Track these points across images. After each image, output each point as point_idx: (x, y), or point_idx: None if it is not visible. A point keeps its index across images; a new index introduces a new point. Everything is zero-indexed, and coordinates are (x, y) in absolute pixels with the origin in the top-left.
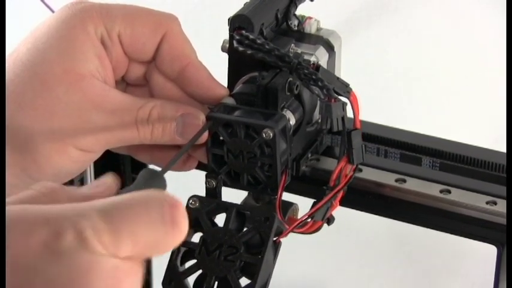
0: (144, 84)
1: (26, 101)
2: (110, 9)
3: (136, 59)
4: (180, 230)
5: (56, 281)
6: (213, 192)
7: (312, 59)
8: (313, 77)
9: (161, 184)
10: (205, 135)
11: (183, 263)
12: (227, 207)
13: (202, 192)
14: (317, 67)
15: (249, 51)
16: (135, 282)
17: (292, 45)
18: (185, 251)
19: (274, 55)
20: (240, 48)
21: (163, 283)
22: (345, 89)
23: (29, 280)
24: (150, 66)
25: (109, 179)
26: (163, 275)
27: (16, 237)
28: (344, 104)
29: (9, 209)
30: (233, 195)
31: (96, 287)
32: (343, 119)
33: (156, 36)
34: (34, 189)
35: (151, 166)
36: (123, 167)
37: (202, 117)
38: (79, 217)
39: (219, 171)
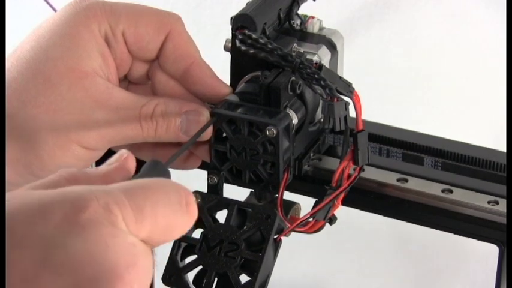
0: (146, 82)
1: (29, 98)
2: (114, 8)
3: (140, 57)
4: (193, 216)
5: (75, 253)
6: (214, 189)
7: (315, 58)
8: (316, 76)
9: (165, 175)
10: (209, 132)
11: (183, 258)
12: (229, 203)
13: (204, 189)
14: (319, 66)
15: (251, 51)
16: (148, 265)
17: (295, 44)
18: (185, 246)
19: (276, 54)
20: (243, 48)
21: (163, 278)
22: (348, 88)
23: (47, 253)
24: (153, 65)
25: (124, 153)
26: (163, 270)
27: (34, 215)
28: (346, 104)
29: (26, 193)
30: (235, 193)
31: (115, 261)
32: (345, 118)
33: (160, 35)
34: (55, 175)
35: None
36: None
37: (206, 114)
38: (104, 193)
39: (221, 168)
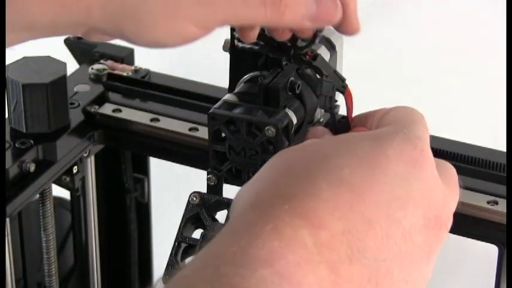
0: None
1: None
2: None
3: None
4: None
5: None
6: (214, 189)
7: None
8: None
9: None
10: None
11: (183, 259)
12: (228, 204)
13: (204, 189)
14: (315, 56)
15: (247, 46)
16: None
17: None
18: (186, 247)
19: (272, 46)
20: (240, 45)
21: (164, 279)
22: (341, 83)
23: None
24: None
25: None
26: (163, 271)
27: None
28: (334, 86)
29: None
30: (234, 193)
31: None
32: (331, 99)
33: None
34: None
35: None
36: (124, 166)
37: (339, 4)
38: None
39: (221, 168)
